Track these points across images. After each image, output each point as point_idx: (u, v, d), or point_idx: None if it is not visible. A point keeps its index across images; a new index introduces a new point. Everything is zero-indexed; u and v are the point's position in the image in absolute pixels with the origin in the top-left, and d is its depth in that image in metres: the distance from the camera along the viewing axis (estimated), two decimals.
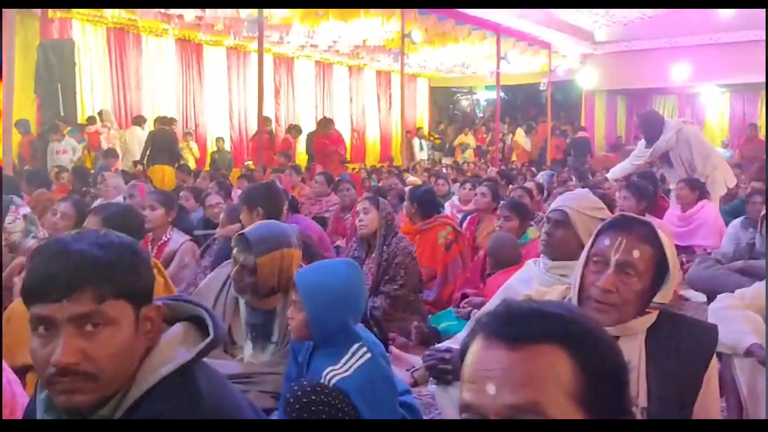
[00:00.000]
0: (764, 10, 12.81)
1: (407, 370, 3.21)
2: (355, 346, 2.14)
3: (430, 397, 2.85)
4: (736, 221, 4.70)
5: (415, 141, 16.90)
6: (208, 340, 1.28)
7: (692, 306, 4.41)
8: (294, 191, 7.28)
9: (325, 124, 10.50)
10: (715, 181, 5.96)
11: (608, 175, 6.94)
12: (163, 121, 10.40)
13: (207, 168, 10.86)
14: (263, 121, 11.48)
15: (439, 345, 2.52)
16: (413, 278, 3.73)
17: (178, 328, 1.31)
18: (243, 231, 2.60)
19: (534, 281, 2.67)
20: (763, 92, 16.02)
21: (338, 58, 15.10)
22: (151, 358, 1.23)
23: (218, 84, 13.39)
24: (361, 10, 9.55)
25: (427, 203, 4.57)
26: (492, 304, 2.49)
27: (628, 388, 0.85)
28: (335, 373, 2.10)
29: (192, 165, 10.90)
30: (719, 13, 13.10)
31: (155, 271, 2.80)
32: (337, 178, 6.81)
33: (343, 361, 2.12)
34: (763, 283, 2.59)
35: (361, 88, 16.56)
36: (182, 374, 1.23)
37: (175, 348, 1.27)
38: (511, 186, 6.69)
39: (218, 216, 4.19)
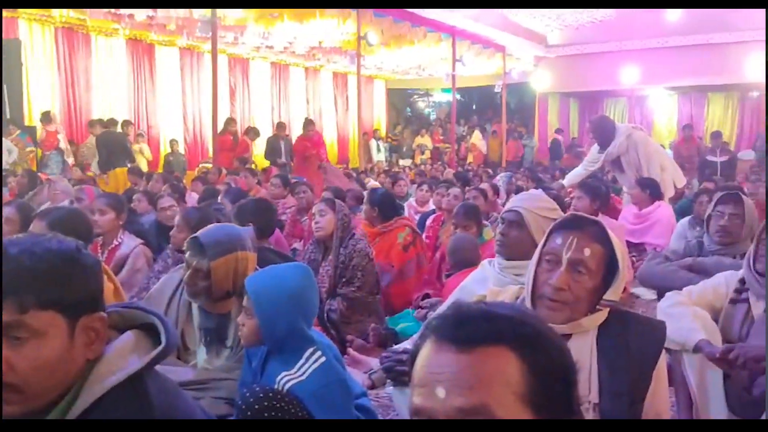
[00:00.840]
0: (702, 18, 13.32)
1: (364, 372, 3.21)
2: (310, 350, 2.12)
3: (388, 399, 2.85)
4: (684, 220, 4.83)
5: (373, 143, 16.92)
6: (159, 348, 1.25)
7: (643, 303, 4.52)
8: (250, 194, 7.19)
9: (306, 125, 10.38)
10: (663, 183, 6.11)
11: (564, 182, 7.06)
12: (110, 124, 10.20)
13: (160, 170, 10.66)
14: (229, 122, 11.36)
15: (397, 346, 2.52)
16: (370, 280, 3.73)
17: (128, 336, 1.27)
18: (196, 234, 2.55)
19: (489, 281, 2.70)
20: (709, 94, 16.56)
21: (294, 60, 15.01)
22: (98, 368, 1.19)
23: (171, 85, 13.16)
24: (317, 11, 9.51)
25: (386, 206, 4.60)
26: (446, 305, 2.50)
27: (576, 388, 0.86)
28: (290, 377, 2.08)
29: (144, 167, 10.69)
30: (667, 17, 13.48)
31: (105, 277, 2.75)
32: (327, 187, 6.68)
33: (297, 365, 2.10)
34: (709, 280, 2.67)
35: (317, 90, 16.49)
36: (132, 384, 1.20)
37: (125, 357, 1.23)
38: (467, 188, 6.75)
39: (171, 219, 4.11)
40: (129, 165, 9.42)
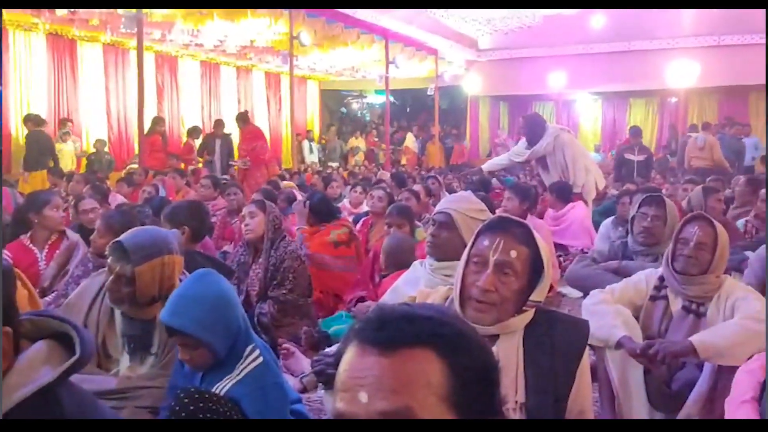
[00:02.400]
0: (624, 26, 13.89)
1: (296, 376, 3.17)
2: (249, 348, 2.08)
3: (320, 402, 2.82)
4: (608, 221, 5.02)
5: (305, 144, 16.81)
6: (73, 358, 1.19)
7: (569, 301, 4.65)
8: (178, 195, 7.01)
9: (240, 118, 10.12)
10: (587, 185, 6.31)
11: (483, 167, 7.19)
12: (36, 122, 9.70)
13: (83, 170, 10.24)
14: (157, 121, 10.95)
15: (328, 349, 2.50)
16: (302, 282, 3.69)
17: (40, 346, 1.22)
18: (119, 238, 2.46)
19: (421, 282, 2.72)
20: (631, 100, 17.26)
21: (225, 59, 14.73)
22: (7, 381, 1.13)
23: (94, 82, 12.65)
24: (249, 11, 9.36)
25: (322, 208, 4.59)
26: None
27: (499, 388, 0.87)
28: (228, 380, 2.04)
29: (72, 167, 10.25)
30: (592, 24, 13.96)
31: (19, 283, 2.61)
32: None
33: (237, 365, 2.06)
34: (631, 278, 2.77)
35: (249, 90, 16.23)
36: (44, 396, 1.14)
37: (36, 368, 1.17)
38: (402, 189, 6.79)
39: (93, 222, 3.94)
40: (50, 165, 9.00)
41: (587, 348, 1.80)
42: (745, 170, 11.30)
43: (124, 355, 2.52)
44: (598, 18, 13.74)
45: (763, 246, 3.41)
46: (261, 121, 16.39)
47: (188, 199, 5.69)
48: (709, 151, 10.19)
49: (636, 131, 10.44)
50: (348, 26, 11.54)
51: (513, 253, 1.67)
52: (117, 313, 2.53)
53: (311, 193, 5.29)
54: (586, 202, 6.24)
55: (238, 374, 2.03)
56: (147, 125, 9.56)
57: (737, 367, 2.22)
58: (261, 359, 2.07)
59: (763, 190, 4.82)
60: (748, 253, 3.70)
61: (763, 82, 14.16)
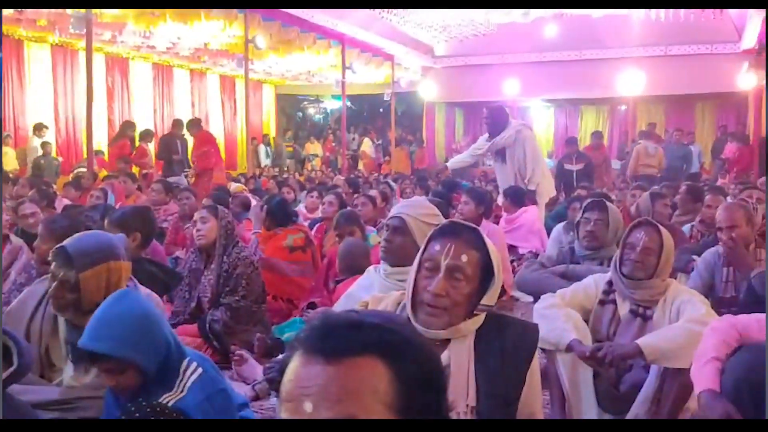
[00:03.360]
0: (576, 36, 14.20)
1: (249, 383, 3.13)
2: (185, 362, 2.02)
3: (273, 410, 2.79)
4: (559, 226, 5.10)
5: (261, 148, 16.67)
6: (10, 369, 1.15)
7: (522, 305, 4.71)
8: (129, 200, 6.85)
9: (191, 125, 9.89)
10: (540, 186, 6.40)
11: (448, 164, 7.20)
12: None
13: (29, 174, 9.93)
14: (127, 125, 10.64)
15: (281, 356, 2.47)
16: (256, 288, 3.64)
17: None
18: (63, 244, 2.38)
19: (374, 288, 2.71)
20: (582, 107, 17.64)
21: (178, 61, 14.48)
22: None
23: (42, 84, 12.28)
24: (202, 12, 9.22)
25: (279, 212, 4.54)
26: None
27: (446, 395, 0.87)
28: (170, 397, 1.97)
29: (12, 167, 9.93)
30: (545, 33, 14.21)
31: None
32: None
33: (176, 383, 2.00)
34: (581, 282, 2.82)
35: (203, 93, 16.00)
36: None
37: None
38: (356, 194, 6.78)
39: (34, 227, 3.81)
40: None
41: (538, 351, 1.82)
42: (690, 177, 11.69)
43: (68, 364, 2.44)
44: (551, 27, 13.99)
45: (709, 251, 3.52)
46: (216, 124, 16.19)
47: (135, 204, 5.56)
48: (657, 158, 10.49)
49: (571, 140, 10.56)
50: (304, 30, 11.49)
51: (464, 258, 1.67)
52: (61, 320, 2.46)
53: (269, 196, 5.23)
54: (536, 203, 6.30)
55: (181, 391, 1.97)
56: (97, 128, 9.31)
57: (682, 369, 2.29)
58: (200, 370, 2.01)
59: (708, 197, 4.96)
60: (694, 257, 3.81)
61: (708, 91, 14.78)
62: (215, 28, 10.23)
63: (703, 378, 1.96)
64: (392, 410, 0.79)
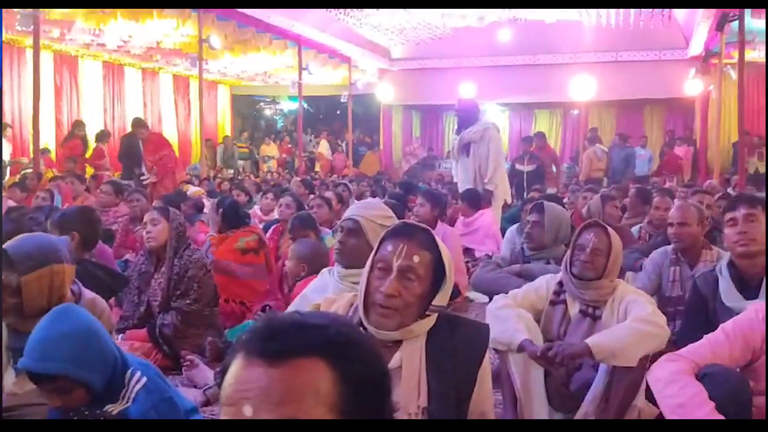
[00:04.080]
0: (530, 41, 14.44)
1: (200, 388, 3.07)
2: (128, 373, 1.97)
3: None
4: (513, 227, 5.17)
5: (220, 149, 16.45)
6: None
7: (476, 306, 4.75)
8: (77, 201, 6.66)
9: (136, 125, 9.63)
10: (498, 189, 6.46)
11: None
12: None
13: None
14: (78, 125, 10.31)
15: None
16: (208, 292, 3.58)
17: None
18: (3, 246, 2.30)
19: (329, 289, 2.69)
20: (536, 111, 17.92)
21: (130, 60, 14.16)
22: None
23: None
24: (155, 10, 9.04)
25: (232, 214, 4.48)
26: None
27: (391, 396, 0.86)
28: (114, 408, 1.92)
29: None
30: (499, 38, 14.39)
31: None
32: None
33: (121, 394, 1.94)
34: (532, 283, 2.86)
35: (156, 93, 15.67)
36: None
37: None
38: (312, 195, 6.74)
39: None
40: None
41: (489, 351, 1.83)
42: (639, 179, 12.07)
43: (9, 370, 2.36)
44: (506, 32, 14.18)
45: (657, 251, 3.62)
46: (169, 125, 15.89)
47: (79, 204, 5.41)
48: (605, 161, 10.81)
49: (527, 139, 10.75)
50: (260, 31, 11.37)
51: (416, 259, 1.68)
52: (3, 325, 2.37)
53: (221, 198, 5.15)
54: (490, 204, 6.35)
55: (126, 401, 1.92)
56: (44, 128, 9.03)
57: (629, 367, 2.34)
58: (144, 379, 1.97)
59: (657, 199, 5.09)
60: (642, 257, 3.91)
61: (656, 96, 15.20)
62: (168, 27, 10.04)
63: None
64: (335, 412, 0.78)
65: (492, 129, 6.44)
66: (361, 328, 1.73)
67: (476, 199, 6.15)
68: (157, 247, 3.51)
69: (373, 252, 1.75)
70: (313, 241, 3.83)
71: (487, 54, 15.31)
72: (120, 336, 3.39)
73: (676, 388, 1.89)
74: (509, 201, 6.75)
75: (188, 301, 3.47)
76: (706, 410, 1.79)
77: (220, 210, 4.52)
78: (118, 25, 9.64)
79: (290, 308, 2.79)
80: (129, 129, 10.71)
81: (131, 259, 4.64)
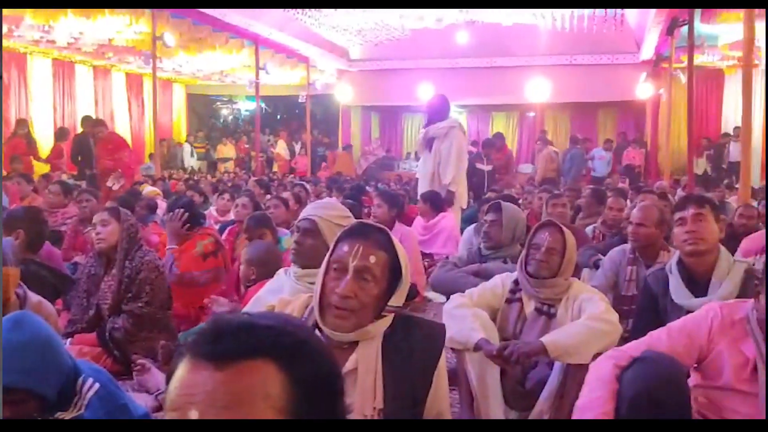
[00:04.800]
0: (487, 43, 14.60)
1: (152, 393, 3.00)
2: (80, 380, 1.91)
3: None
4: (470, 228, 5.20)
5: (186, 147, 16.22)
6: None
7: (434, 306, 4.76)
8: (24, 202, 6.45)
9: (95, 124, 9.32)
10: (461, 188, 6.46)
11: None
12: None
13: None
14: (20, 123, 9.94)
15: None
16: (160, 294, 3.49)
17: None
18: None
19: (285, 291, 2.66)
20: (494, 113, 18.12)
21: (81, 57, 13.79)
22: None
23: None
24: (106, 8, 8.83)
25: (189, 214, 4.37)
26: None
27: (343, 398, 0.85)
28: (64, 417, 1.85)
29: None
30: (457, 40, 14.50)
31: None
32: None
33: (74, 401, 1.87)
34: (488, 282, 2.88)
35: (108, 91, 15.29)
36: None
37: None
38: (268, 196, 6.66)
39: None
40: None
41: (446, 351, 1.83)
42: (594, 180, 12.39)
43: None
44: (463, 34, 14.28)
45: (615, 249, 3.68)
46: (122, 124, 15.54)
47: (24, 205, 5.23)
48: (557, 162, 11.06)
49: (488, 143, 10.87)
50: (216, 30, 11.22)
51: (372, 259, 1.66)
52: None
53: (176, 198, 5.04)
54: (452, 205, 6.35)
55: (78, 409, 1.86)
56: None
57: (584, 365, 2.37)
58: (97, 386, 1.91)
59: (611, 199, 5.19)
60: (598, 254, 3.98)
61: (609, 99, 15.54)
62: (120, 24, 9.81)
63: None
64: (285, 415, 0.76)
65: (458, 129, 6.42)
66: (317, 330, 1.71)
67: (438, 202, 6.10)
68: (107, 248, 3.41)
69: (329, 252, 1.73)
70: (263, 243, 3.77)
71: (445, 56, 15.43)
72: (68, 340, 3.28)
73: (587, 389, 1.97)
74: (464, 206, 6.73)
75: (140, 304, 3.39)
76: (597, 412, 1.87)
77: (178, 211, 4.37)
78: (69, 21, 9.37)
79: (244, 311, 2.75)
80: (79, 128, 10.42)
81: (81, 262, 4.51)
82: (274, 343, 0.79)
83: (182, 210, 4.19)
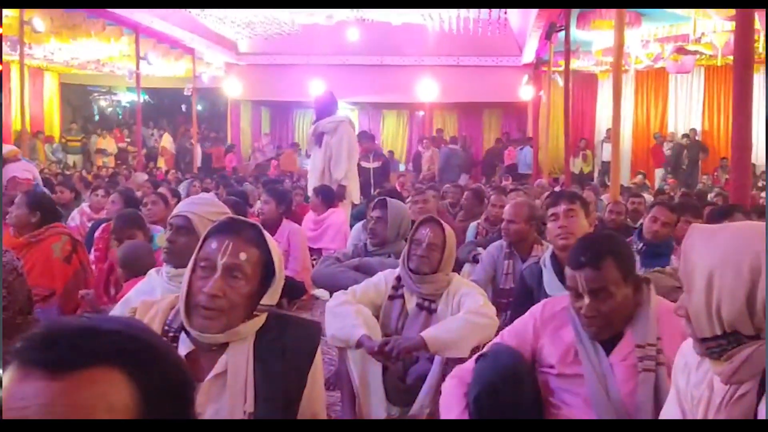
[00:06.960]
0: (377, 42, 14.75)
1: None
2: None
3: None
4: (359, 224, 5.19)
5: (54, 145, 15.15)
6: None
7: (321, 304, 4.70)
8: None
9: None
10: (351, 184, 6.44)
11: None
12: None
13: None
14: None
15: None
16: (19, 297, 3.19)
17: None
18: None
19: (157, 292, 2.51)
20: (384, 111, 18.30)
21: None
22: None
23: None
24: None
25: (48, 210, 4.02)
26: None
27: (194, 407, 0.79)
28: None
29: None
30: (348, 37, 14.50)
31: None
32: None
33: None
34: (372, 278, 2.86)
35: None
36: None
37: None
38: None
39: None
40: None
41: (321, 350, 1.78)
42: (524, 177, 13.30)
43: None
44: (353, 31, 14.32)
45: (493, 245, 3.78)
46: None
47: None
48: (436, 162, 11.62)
49: (368, 136, 10.94)
50: (92, 16, 10.56)
51: (243, 256, 1.58)
52: None
53: (32, 191, 4.65)
54: (343, 200, 6.31)
55: None
56: None
57: (462, 359, 2.40)
58: None
59: (493, 197, 5.35)
60: (480, 249, 4.08)
61: (494, 100, 16.11)
62: None
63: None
64: None
65: (347, 123, 6.41)
66: (184, 332, 1.61)
67: (329, 196, 6.06)
68: None
69: (196, 250, 1.63)
70: (132, 243, 3.56)
71: (336, 53, 15.40)
72: None
73: (443, 412, 2.03)
74: (356, 201, 6.73)
75: None
76: (452, 414, 1.96)
77: (32, 203, 3.98)
78: None
79: (112, 313, 2.57)
80: None
81: None
82: (119, 349, 0.71)
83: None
